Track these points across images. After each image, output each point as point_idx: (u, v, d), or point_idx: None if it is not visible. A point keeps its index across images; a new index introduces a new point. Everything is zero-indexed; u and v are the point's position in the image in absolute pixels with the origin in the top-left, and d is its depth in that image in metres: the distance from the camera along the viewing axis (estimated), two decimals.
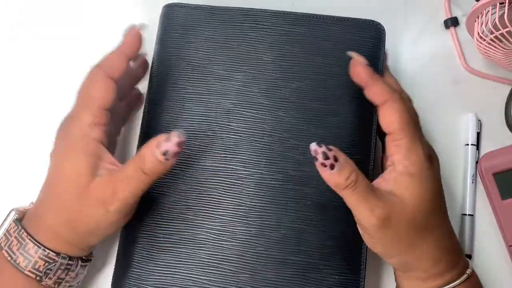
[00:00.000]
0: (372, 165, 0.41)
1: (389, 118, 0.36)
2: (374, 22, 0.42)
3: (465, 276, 0.37)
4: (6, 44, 0.50)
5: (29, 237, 0.36)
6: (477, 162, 0.47)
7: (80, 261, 0.38)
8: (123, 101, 0.45)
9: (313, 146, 0.34)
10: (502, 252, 0.46)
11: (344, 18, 0.42)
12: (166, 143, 0.34)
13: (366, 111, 0.41)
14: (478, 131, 0.48)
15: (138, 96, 0.47)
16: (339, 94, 0.41)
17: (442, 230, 0.37)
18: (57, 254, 0.36)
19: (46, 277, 0.36)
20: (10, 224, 0.37)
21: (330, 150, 0.34)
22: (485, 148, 0.48)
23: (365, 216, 0.34)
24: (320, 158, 0.34)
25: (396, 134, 0.36)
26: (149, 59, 0.44)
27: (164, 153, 0.34)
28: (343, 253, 0.39)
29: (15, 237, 0.36)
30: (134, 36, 0.39)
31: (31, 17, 0.51)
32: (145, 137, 0.42)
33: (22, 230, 0.36)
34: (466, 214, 0.46)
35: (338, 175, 0.34)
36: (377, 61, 0.42)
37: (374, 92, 0.37)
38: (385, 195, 0.35)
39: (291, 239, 0.39)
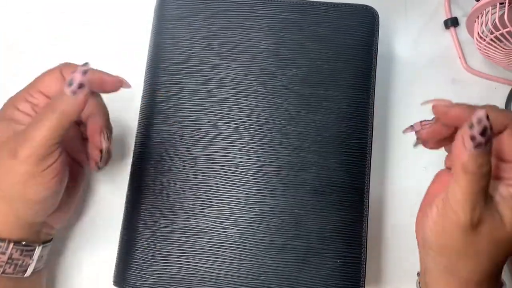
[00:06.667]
0: (370, 147, 0.40)
1: None
2: (367, 7, 0.43)
3: None
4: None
5: None
6: None
7: (12, 244, 0.35)
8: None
9: (481, 113, 0.29)
10: None
11: (337, 4, 0.43)
12: (72, 74, 0.33)
13: (362, 96, 0.41)
14: None
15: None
16: (334, 79, 0.41)
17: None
18: None
19: None
20: None
21: (491, 129, 0.29)
22: None
23: (464, 210, 0.30)
24: (476, 131, 0.29)
25: None
26: (145, 50, 0.45)
27: (70, 83, 0.32)
28: (343, 236, 0.39)
29: None
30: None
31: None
32: (143, 129, 0.42)
33: None
34: None
35: (476, 157, 0.29)
36: (371, 45, 0.42)
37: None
38: (492, 206, 0.31)
39: (291, 225, 0.39)
